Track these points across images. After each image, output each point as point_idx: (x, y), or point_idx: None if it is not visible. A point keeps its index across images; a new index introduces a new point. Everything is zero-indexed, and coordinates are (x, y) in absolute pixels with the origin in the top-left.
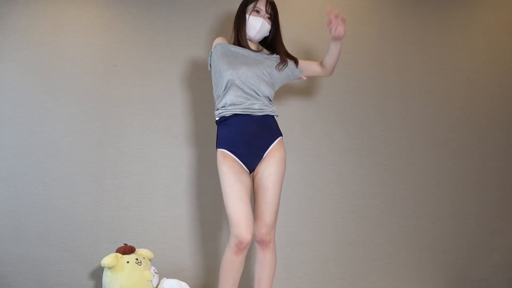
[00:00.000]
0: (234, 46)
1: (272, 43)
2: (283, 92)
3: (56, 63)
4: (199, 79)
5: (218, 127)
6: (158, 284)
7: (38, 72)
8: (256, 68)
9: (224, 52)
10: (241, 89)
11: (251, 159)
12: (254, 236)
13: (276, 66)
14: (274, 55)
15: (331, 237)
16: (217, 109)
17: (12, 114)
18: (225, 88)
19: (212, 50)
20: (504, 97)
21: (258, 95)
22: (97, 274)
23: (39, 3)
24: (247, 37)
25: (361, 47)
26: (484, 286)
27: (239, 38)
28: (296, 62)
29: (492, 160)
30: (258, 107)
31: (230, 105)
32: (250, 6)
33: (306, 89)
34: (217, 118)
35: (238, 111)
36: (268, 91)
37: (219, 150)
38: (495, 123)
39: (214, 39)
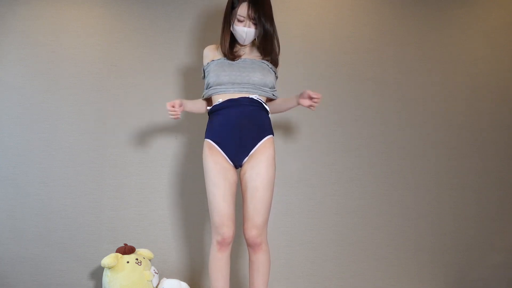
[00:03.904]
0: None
1: (259, 43)
2: (283, 92)
3: (56, 63)
4: (199, 79)
5: (209, 117)
6: (158, 284)
7: (38, 72)
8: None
9: (218, 63)
10: (238, 84)
11: (237, 154)
12: (245, 239)
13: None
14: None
15: (331, 237)
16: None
17: (12, 114)
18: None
19: (204, 66)
20: (504, 97)
21: (253, 87)
22: (97, 274)
23: (39, 3)
24: (238, 42)
25: (361, 47)
26: (484, 286)
27: (230, 46)
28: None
29: (492, 160)
30: (251, 95)
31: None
32: (234, 12)
33: (305, 89)
34: (209, 108)
35: (231, 90)
36: (266, 81)
37: (206, 140)
38: (495, 123)
39: (214, 39)
